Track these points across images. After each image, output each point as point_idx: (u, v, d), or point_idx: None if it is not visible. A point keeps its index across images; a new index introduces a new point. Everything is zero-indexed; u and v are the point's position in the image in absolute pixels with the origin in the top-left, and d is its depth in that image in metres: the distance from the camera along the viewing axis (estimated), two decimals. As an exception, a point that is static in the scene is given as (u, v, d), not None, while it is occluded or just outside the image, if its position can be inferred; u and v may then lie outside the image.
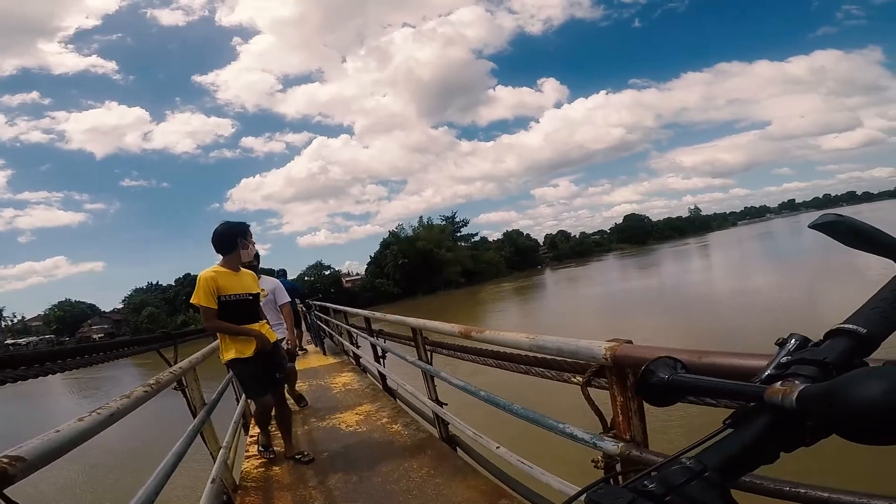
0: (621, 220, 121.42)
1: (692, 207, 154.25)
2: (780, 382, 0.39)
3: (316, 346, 9.43)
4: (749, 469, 0.40)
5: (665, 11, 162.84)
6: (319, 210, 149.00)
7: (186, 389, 2.62)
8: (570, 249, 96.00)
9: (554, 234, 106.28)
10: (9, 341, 62.10)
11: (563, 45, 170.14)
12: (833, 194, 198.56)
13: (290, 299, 4.85)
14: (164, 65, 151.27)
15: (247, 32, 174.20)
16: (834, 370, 0.39)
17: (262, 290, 3.99)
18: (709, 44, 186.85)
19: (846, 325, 0.43)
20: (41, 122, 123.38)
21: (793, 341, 0.45)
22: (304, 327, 9.40)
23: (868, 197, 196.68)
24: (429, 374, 3.18)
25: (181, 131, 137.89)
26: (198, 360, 2.92)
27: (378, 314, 4.75)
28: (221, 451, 2.78)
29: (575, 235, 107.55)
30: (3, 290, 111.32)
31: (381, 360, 4.88)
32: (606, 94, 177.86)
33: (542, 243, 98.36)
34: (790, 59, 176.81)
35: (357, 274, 72.00)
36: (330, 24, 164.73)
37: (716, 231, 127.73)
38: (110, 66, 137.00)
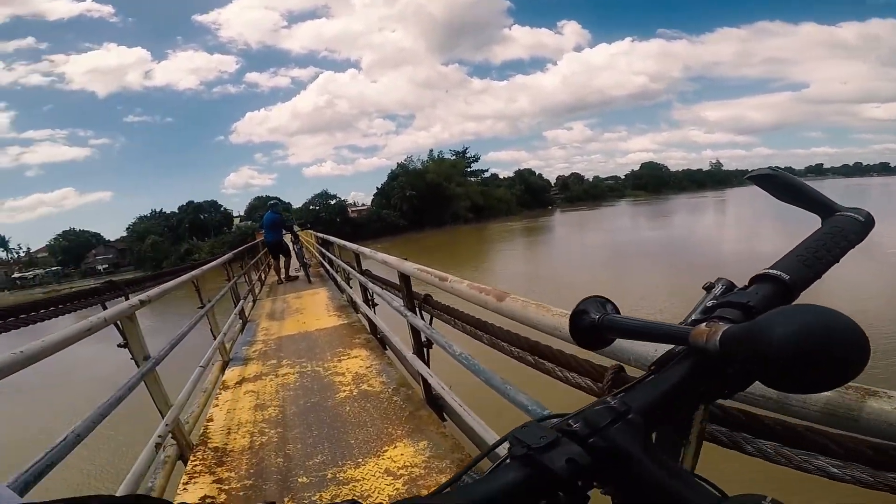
0: (636, 169, 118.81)
1: (713, 162, 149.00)
2: (704, 324, 0.38)
3: (303, 273, 9.85)
4: (671, 416, 0.40)
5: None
6: (326, 142, 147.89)
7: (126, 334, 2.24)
8: (583, 192, 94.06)
9: (566, 175, 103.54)
10: (16, 275, 63.05)
11: None
12: (864, 163, 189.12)
13: None
14: (163, 6, 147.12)
15: None
16: (756, 314, 0.37)
17: None
18: (750, 1, 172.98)
19: (770, 271, 0.43)
20: (39, 66, 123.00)
21: (720, 286, 0.45)
22: (292, 254, 9.97)
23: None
24: (415, 326, 2.71)
25: (184, 68, 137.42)
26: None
27: (367, 251, 4.11)
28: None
29: (588, 179, 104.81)
30: (13, 221, 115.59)
31: (370, 303, 4.54)
32: (632, 41, 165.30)
33: (553, 184, 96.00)
34: (842, 23, 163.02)
35: (363, 204, 71.31)
36: None
37: (736, 187, 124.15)
38: (106, 9, 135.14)
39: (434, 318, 2.49)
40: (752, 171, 0.51)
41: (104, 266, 61.39)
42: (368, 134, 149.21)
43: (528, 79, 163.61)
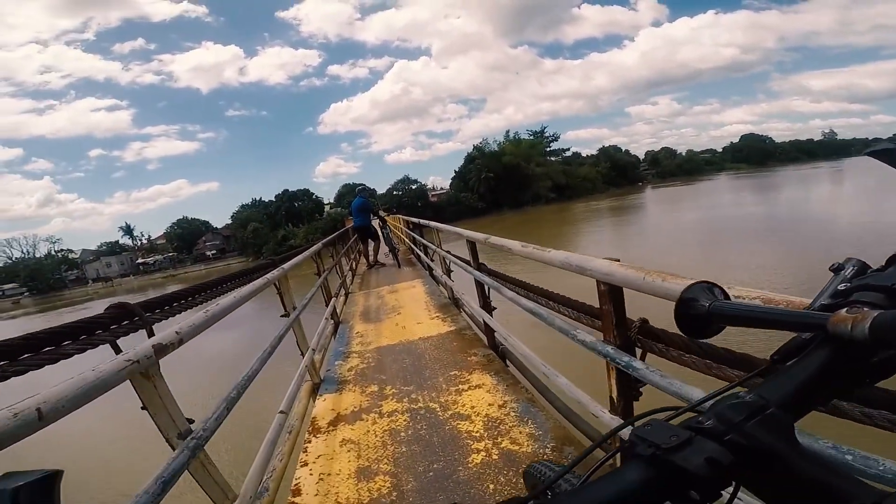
0: (735, 141, 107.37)
1: (826, 131, 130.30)
2: (845, 310, 0.35)
3: (393, 257, 9.54)
4: (813, 406, 0.37)
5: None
6: (404, 129, 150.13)
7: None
8: (676, 167, 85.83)
9: (656, 150, 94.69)
10: (139, 260, 71.76)
11: None
12: None
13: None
14: (248, 4, 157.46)
15: None
16: None
17: None
18: None
19: None
20: (151, 66, 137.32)
21: (850, 267, 0.42)
22: (381, 239, 9.68)
23: None
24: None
25: (272, 64, 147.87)
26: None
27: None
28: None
29: (681, 153, 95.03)
30: (138, 211, 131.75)
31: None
32: (716, 13, 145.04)
33: (642, 160, 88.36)
34: None
35: (441, 188, 71.08)
36: None
37: (854, 157, 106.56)
38: (201, 9, 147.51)
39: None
40: (873, 145, 0.46)
41: (212, 252, 68.08)
42: (443, 119, 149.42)
43: (604, 56, 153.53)
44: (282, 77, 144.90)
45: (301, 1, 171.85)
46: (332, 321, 4.95)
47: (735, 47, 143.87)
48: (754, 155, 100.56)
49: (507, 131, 71.32)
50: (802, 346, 0.38)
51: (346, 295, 6.83)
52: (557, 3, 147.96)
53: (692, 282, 0.46)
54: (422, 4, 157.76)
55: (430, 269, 7.09)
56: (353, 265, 9.53)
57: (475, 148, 65.19)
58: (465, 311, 4.61)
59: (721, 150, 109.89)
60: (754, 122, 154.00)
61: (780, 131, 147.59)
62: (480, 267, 3.38)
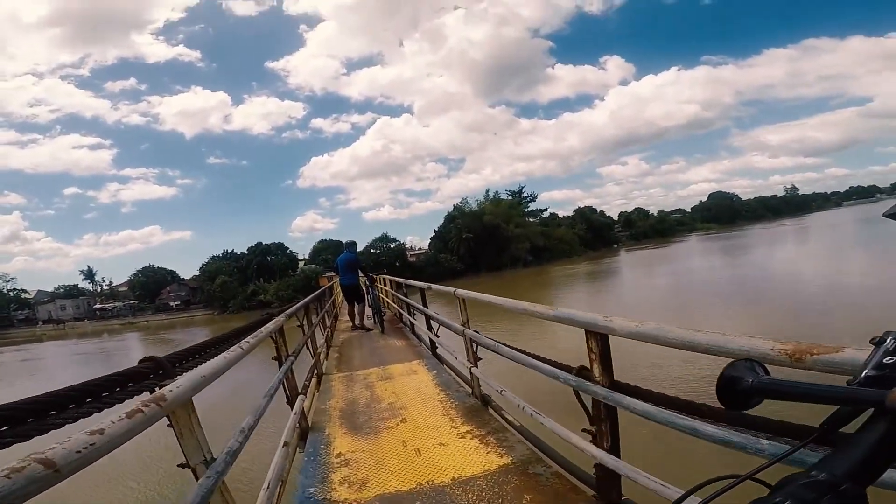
0: (700, 200, 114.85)
1: (788, 186, 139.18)
2: None
3: (375, 322, 8.51)
4: (874, 478, 0.38)
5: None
6: (383, 187, 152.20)
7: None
8: (650, 228, 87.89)
9: (629, 211, 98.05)
10: (97, 306, 68.53)
11: (626, 23, 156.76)
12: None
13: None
14: (241, 52, 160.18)
15: (312, 20, 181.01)
16: None
17: None
18: (791, 20, 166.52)
19: None
20: (139, 106, 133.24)
21: (891, 340, 0.44)
22: (367, 301, 8.85)
23: None
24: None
25: (257, 113, 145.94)
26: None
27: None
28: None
29: (653, 213, 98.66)
30: (106, 255, 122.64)
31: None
32: (678, 70, 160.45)
33: (616, 221, 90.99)
34: (890, 34, 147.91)
35: (420, 248, 70.33)
36: (386, 8, 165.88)
37: (816, 212, 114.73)
38: (195, 54, 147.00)
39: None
40: (893, 206, 0.50)
41: (176, 303, 64.86)
42: (422, 178, 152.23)
43: (576, 116, 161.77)
44: (265, 127, 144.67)
45: (291, 53, 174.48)
46: (298, 429, 3.30)
47: (696, 104, 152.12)
48: (723, 214, 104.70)
49: (487, 190, 71.69)
50: (849, 416, 0.42)
51: (320, 378, 5.20)
52: (534, 63, 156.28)
53: (734, 359, 0.50)
54: (406, 63, 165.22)
55: (434, 347, 5.65)
56: (329, 333, 7.92)
57: (455, 207, 65.37)
58: (502, 417, 3.17)
59: (690, 209, 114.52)
60: (718, 180, 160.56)
61: (744, 188, 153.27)
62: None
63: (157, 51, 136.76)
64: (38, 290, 76.49)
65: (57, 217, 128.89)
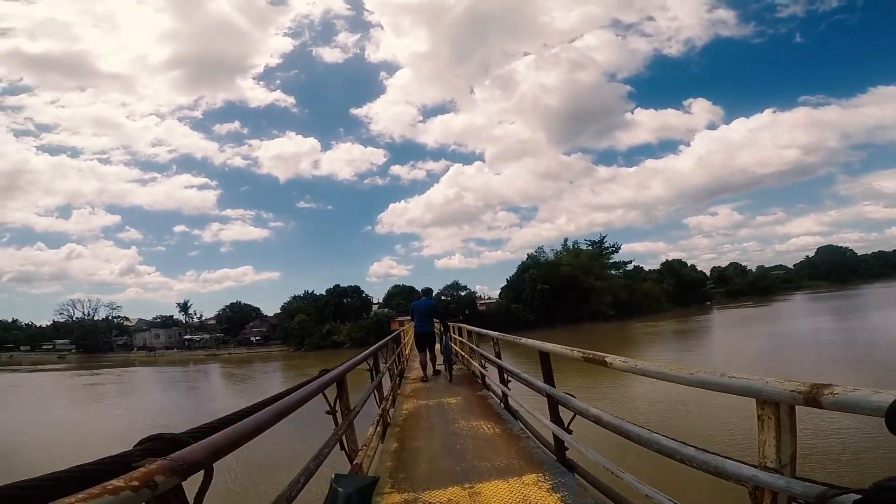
0: (806, 255, 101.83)
1: None
2: None
3: (445, 369, 8.20)
4: None
5: (831, 25, 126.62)
6: (455, 235, 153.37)
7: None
8: (748, 285, 79.49)
9: (723, 266, 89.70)
10: (186, 336, 75.76)
11: (710, 65, 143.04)
12: None
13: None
14: (329, 98, 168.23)
15: (391, 67, 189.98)
16: None
17: None
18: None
19: None
20: (241, 149, 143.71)
21: None
22: (437, 348, 8.66)
23: None
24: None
25: (343, 159, 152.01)
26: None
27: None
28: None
29: (750, 269, 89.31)
30: (203, 291, 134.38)
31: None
32: (773, 112, 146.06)
33: (708, 276, 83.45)
34: None
35: (489, 297, 69.22)
36: (458, 55, 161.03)
37: None
38: (290, 100, 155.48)
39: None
40: None
41: (257, 338, 69.42)
42: (493, 227, 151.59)
43: (660, 163, 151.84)
44: (349, 173, 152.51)
45: (373, 99, 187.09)
46: None
47: (796, 148, 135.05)
48: (835, 270, 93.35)
49: (566, 240, 69.32)
50: None
51: (385, 430, 4.76)
52: (611, 108, 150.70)
53: None
54: (477, 109, 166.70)
55: (512, 413, 4.85)
56: (396, 382, 7.15)
57: (530, 257, 64.32)
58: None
59: (793, 265, 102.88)
60: (823, 233, 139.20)
61: (854, 242, 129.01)
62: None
63: (257, 95, 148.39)
64: (139, 319, 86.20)
65: (166, 253, 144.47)
